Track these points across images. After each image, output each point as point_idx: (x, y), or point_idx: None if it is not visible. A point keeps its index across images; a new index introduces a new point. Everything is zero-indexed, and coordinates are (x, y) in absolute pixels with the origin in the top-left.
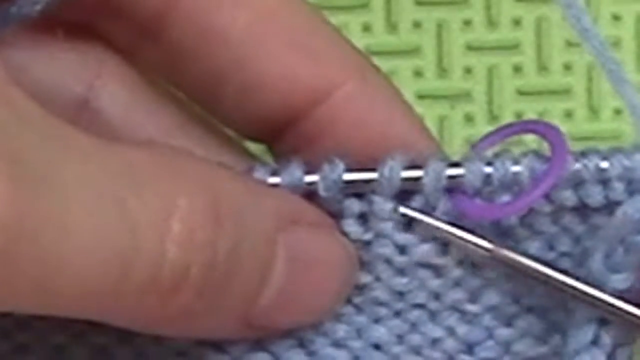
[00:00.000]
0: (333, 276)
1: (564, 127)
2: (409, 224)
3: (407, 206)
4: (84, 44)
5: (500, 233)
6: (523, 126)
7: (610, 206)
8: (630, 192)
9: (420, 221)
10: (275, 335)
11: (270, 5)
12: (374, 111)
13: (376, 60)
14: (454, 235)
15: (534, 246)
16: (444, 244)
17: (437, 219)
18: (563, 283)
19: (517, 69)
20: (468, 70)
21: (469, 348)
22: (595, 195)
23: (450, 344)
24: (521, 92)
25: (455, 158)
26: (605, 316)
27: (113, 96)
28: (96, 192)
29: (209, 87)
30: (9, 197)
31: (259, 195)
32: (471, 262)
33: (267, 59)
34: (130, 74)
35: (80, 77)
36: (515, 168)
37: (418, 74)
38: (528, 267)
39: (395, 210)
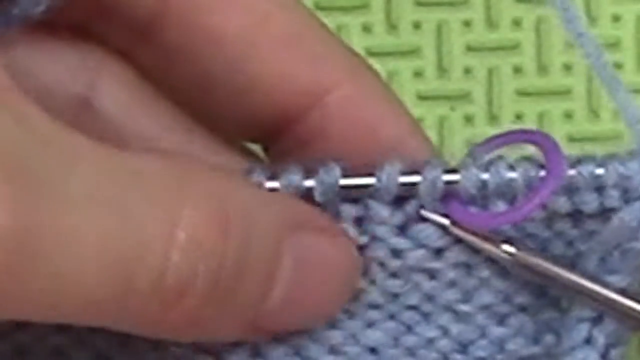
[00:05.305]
0: (336, 279)
1: (564, 128)
2: (404, 228)
3: (429, 210)
4: (83, 45)
5: (493, 232)
6: (517, 136)
7: (604, 213)
8: (626, 200)
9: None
10: (271, 343)
11: (264, 6)
12: (369, 114)
13: (376, 61)
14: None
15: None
16: (439, 249)
17: (460, 223)
18: (588, 289)
19: (517, 69)
20: (468, 71)
21: (463, 347)
22: (590, 202)
23: (444, 343)
24: (521, 93)
25: (456, 159)
26: (623, 322)
27: (113, 96)
28: (101, 202)
29: (203, 88)
30: (11, 208)
31: (266, 202)
32: (465, 264)
33: (261, 61)
34: (130, 74)
35: (81, 77)
36: (511, 175)
37: (418, 74)
38: (552, 272)
39: (393, 214)
